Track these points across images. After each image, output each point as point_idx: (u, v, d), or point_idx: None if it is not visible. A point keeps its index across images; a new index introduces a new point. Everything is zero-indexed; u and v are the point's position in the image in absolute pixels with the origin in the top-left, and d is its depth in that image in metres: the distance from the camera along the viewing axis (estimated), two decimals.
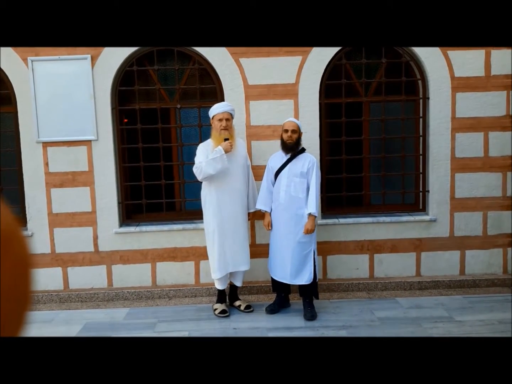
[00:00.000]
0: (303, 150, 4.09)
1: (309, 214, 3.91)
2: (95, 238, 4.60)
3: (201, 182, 4.09)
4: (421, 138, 4.70)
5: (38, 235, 4.58)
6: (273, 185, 4.09)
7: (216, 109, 3.99)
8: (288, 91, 4.48)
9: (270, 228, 4.11)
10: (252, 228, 4.59)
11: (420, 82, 4.65)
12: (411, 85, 4.71)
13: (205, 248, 4.22)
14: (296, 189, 3.97)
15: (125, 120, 4.71)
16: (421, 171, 4.73)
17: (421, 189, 4.75)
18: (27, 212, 4.57)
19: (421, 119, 4.68)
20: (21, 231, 0.48)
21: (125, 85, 4.58)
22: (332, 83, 4.59)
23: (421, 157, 4.72)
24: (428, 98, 4.59)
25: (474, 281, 4.64)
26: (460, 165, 4.60)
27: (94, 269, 4.64)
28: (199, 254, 4.62)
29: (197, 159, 3.96)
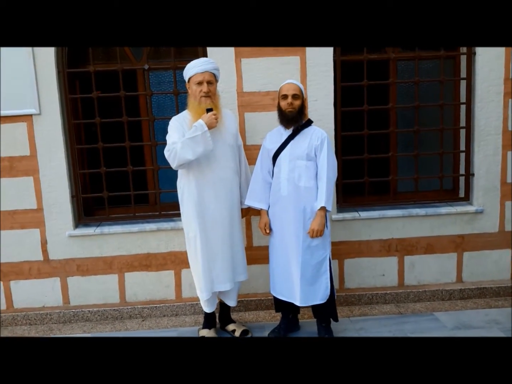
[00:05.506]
0: (309, 122, 3.02)
1: (319, 209, 2.88)
2: (44, 243, 3.54)
3: (177, 170, 3.02)
4: (464, 106, 3.64)
5: None
6: (272, 173, 3.04)
7: (192, 68, 2.88)
8: None
9: (268, 231, 3.07)
10: (248, 227, 3.54)
11: None
12: None
13: (186, 252, 3.18)
14: (302, 176, 2.92)
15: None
16: (463, 148, 3.68)
17: (463, 172, 3.72)
18: None
19: (464, 82, 3.61)
20: None
21: None
22: None
23: (463, 131, 3.67)
24: (475, 54, 3.51)
25: None
26: None
27: (44, 282, 3.59)
28: (179, 261, 3.58)
29: (169, 139, 2.87)
